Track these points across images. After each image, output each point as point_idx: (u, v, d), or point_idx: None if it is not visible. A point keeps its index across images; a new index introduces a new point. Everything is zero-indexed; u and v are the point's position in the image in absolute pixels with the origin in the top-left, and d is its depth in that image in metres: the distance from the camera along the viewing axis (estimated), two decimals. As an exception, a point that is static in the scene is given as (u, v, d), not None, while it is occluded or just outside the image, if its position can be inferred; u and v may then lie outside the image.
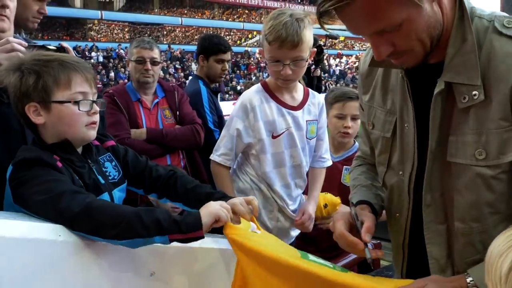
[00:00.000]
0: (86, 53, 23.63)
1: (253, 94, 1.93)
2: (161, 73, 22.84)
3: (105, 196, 1.36)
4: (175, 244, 1.29)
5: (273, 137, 1.92)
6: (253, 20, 36.92)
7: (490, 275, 0.75)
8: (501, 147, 0.98)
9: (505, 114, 0.97)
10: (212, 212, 1.20)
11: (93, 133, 1.33)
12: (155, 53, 2.54)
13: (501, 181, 1.02)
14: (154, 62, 2.51)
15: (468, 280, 1.01)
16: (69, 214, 1.13)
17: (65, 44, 1.62)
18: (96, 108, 1.31)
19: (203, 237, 1.21)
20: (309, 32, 1.77)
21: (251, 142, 1.92)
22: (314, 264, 1.16)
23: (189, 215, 1.19)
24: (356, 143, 2.46)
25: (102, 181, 1.36)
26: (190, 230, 1.17)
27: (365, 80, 1.29)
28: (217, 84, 3.12)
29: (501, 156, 0.99)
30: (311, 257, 1.23)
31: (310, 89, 2.07)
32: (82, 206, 1.13)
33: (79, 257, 1.18)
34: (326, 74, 28.63)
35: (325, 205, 2.18)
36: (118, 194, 1.42)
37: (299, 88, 2.01)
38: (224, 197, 1.37)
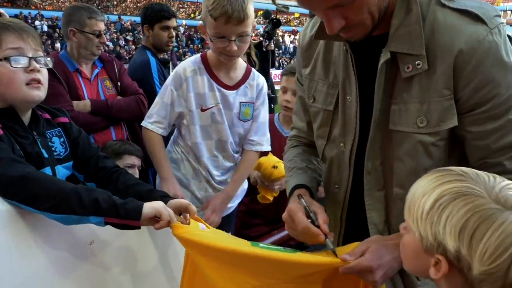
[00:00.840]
0: (29, 21, 22.20)
1: (188, 64, 1.92)
2: (111, 45, 22.32)
3: (47, 171, 1.31)
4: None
5: (202, 110, 1.91)
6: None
7: (411, 212, 0.79)
8: (441, 115, 1.02)
9: (448, 84, 1.01)
10: (155, 207, 1.19)
11: (37, 93, 1.27)
12: (102, 23, 2.44)
13: (439, 148, 1.06)
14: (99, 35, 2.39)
15: None
16: (4, 181, 1.10)
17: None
18: (36, 65, 1.25)
19: (139, 228, 1.19)
20: (252, 7, 1.75)
21: (182, 111, 1.91)
22: (265, 250, 1.16)
23: (132, 202, 1.18)
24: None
25: (46, 155, 1.32)
26: (128, 217, 1.15)
27: (305, 53, 1.29)
28: (168, 56, 3.02)
29: (441, 124, 1.03)
30: (262, 245, 1.24)
31: (254, 70, 2.05)
32: (18, 174, 1.10)
33: (14, 227, 1.15)
34: (280, 51, 28.64)
35: (275, 166, 2.19)
36: (62, 170, 1.38)
37: (240, 66, 1.99)
38: (166, 197, 1.35)
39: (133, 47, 23.50)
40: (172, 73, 1.94)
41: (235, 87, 1.96)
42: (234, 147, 2.00)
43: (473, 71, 0.98)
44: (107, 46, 18.20)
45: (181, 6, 35.58)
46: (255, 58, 2.72)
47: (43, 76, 1.29)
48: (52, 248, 1.22)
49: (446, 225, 0.72)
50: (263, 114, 2.05)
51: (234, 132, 1.97)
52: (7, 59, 1.21)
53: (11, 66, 1.21)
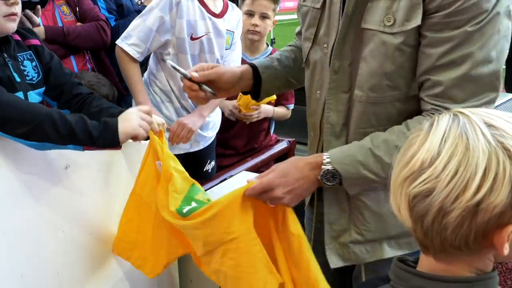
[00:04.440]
0: None
1: None
2: None
3: (20, 96, 1.26)
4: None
5: (192, 38, 1.84)
6: None
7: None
8: (407, 13, 1.00)
9: None
10: (130, 131, 1.20)
11: (12, 25, 1.25)
12: None
13: (403, 54, 1.03)
14: None
15: (325, 157, 1.06)
16: None
17: None
18: None
19: (119, 148, 1.23)
20: None
21: (168, 39, 1.83)
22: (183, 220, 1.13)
23: (106, 132, 1.16)
24: (270, 47, 2.44)
25: (18, 79, 1.26)
26: (106, 146, 1.17)
27: None
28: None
29: (405, 23, 1.00)
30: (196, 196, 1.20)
31: (229, 1, 2.01)
32: None
33: None
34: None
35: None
36: (34, 96, 1.33)
37: None
38: None
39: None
40: None
41: (221, 15, 1.91)
42: None
43: None
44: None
45: None
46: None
47: (19, 8, 1.27)
48: (25, 172, 1.19)
49: None
50: (239, 43, 2.04)
51: (222, 63, 1.94)
52: None
53: None
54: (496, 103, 1.11)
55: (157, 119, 1.34)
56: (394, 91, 1.07)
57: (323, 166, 1.05)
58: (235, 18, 2.00)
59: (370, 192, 1.16)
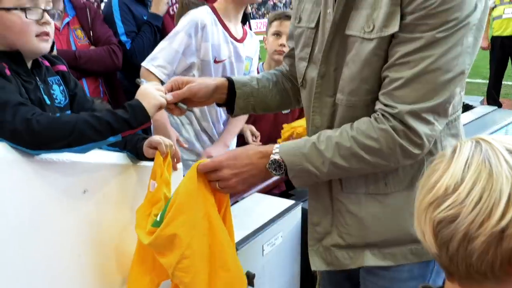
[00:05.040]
0: None
1: (204, 13, 1.87)
2: None
3: None
4: (108, 161, 1.33)
5: (215, 61, 1.90)
6: None
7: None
8: (386, 20, 1.03)
9: None
10: (154, 102, 1.24)
11: (44, 46, 1.28)
12: None
13: (380, 58, 1.07)
14: None
15: (275, 147, 1.12)
16: (12, 127, 1.08)
17: None
18: (48, 18, 1.25)
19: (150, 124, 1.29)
20: None
21: (194, 62, 1.87)
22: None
23: (135, 112, 1.21)
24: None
25: (48, 102, 1.30)
26: (140, 125, 1.21)
27: None
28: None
29: (383, 29, 1.03)
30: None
31: (248, 29, 2.09)
32: (27, 118, 1.09)
33: (7, 176, 1.11)
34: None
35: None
36: None
37: (239, 21, 2.00)
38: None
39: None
40: (185, 20, 1.88)
41: (241, 40, 1.97)
42: None
43: None
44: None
45: None
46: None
47: (52, 28, 1.30)
48: (43, 197, 1.20)
49: None
50: (255, 72, 2.11)
51: None
52: (23, 9, 1.20)
53: (26, 17, 1.21)
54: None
55: (166, 140, 1.37)
56: (372, 95, 1.11)
57: (271, 156, 1.11)
58: (254, 45, 2.06)
59: (350, 195, 1.19)
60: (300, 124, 2.18)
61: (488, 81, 6.07)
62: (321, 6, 1.19)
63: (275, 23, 2.34)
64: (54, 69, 1.39)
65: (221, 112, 2.07)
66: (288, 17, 2.29)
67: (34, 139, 1.10)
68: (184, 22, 1.87)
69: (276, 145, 1.13)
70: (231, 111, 1.40)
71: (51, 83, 1.35)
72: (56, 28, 2.26)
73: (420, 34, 0.99)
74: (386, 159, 1.06)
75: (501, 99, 6.12)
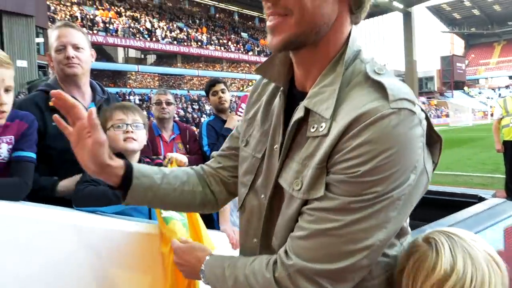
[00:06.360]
0: (127, 96, 31.01)
1: None
2: (182, 112, 29.32)
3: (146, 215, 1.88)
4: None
5: None
6: (252, 72, 46.38)
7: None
8: (312, 183, 0.94)
9: (329, 151, 0.91)
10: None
11: (130, 145, 1.87)
12: (169, 97, 3.47)
13: (301, 217, 0.98)
14: (168, 103, 3.41)
15: (207, 257, 1.17)
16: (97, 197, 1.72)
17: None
18: (130, 128, 1.87)
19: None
20: None
21: None
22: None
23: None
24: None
25: None
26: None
27: (253, 98, 1.25)
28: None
29: (310, 192, 0.95)
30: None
31: None
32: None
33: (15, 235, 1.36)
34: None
35: None
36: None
37: None
38: None
39: (199, 113, 32.00)
40: None
41: None
42: None
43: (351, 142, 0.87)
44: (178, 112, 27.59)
45: (232, 81, 47.80)
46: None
47: (137, 134, 1.87)
48: (61, 248, 1.42)
49: None
50: None
51: None
52: (113, 126, 1.87)
53: (115, 130, 1.87)
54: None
55: (179, 156, 1.96)
56: None
57: (202, 265, 1.15)
58: None
59: None
60: None
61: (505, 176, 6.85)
62: (268, 139, 1.11)
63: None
64: (153, 162, 2.03)
65: None
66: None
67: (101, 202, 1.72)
68: None
69: (210, 255, 1.17)
70: (123, 197, 1.18)
71: None
72: (165, 141, 3.41)
73: (334, 196, 0.90)
74: None
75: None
